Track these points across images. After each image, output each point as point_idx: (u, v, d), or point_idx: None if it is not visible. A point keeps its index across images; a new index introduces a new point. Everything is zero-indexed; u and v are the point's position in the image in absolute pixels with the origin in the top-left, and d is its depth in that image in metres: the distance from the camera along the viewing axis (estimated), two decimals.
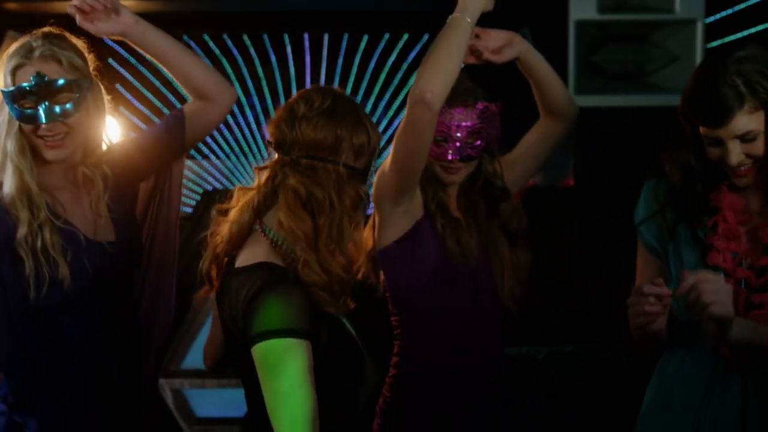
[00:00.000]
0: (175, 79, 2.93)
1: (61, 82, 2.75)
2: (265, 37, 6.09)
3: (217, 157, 6.20)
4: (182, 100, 6.13)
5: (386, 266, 3.10)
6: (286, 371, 2.34)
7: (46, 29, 2.85)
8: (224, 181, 6.06)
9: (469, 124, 3.10)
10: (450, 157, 3.10)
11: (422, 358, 3.11)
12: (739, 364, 2.59)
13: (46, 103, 2.73)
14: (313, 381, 2.37)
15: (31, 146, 2.80)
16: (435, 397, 3.09)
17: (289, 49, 6.11)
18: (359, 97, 6.24)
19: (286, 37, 6.10)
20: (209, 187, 6.00)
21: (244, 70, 6.12)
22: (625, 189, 3.41)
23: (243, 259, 2.49)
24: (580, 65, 4.55)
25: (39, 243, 2.73)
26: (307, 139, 2.48)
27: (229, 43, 6.06)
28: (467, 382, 3.11)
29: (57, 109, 2.74)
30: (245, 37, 6.08)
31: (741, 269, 2.61)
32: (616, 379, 4.72)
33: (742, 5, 4.97)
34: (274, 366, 2.35)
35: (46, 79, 2.74)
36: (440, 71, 2.86)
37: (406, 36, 6.00)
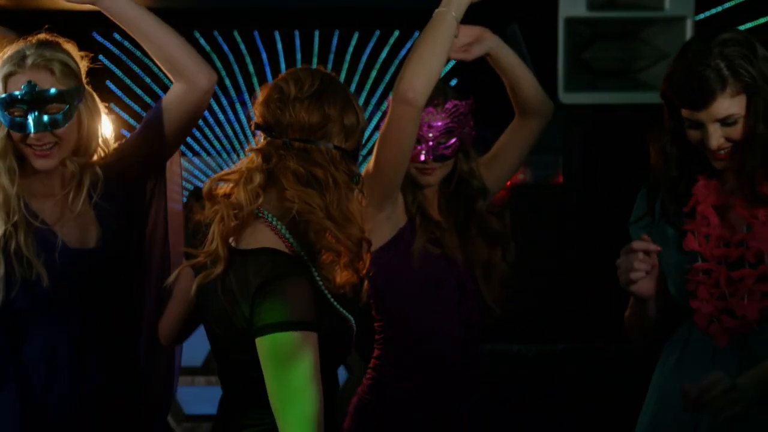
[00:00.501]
0: (151, 55, 2.88)
1: (52, 91, 2.75)
2: (256, 34, 6.09)
3: (208, 154, 6.20)
4: None
5: (371, 273, 3.08)
6: (299, 365, 2.31)
7: (41, 36, 2.83)
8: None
9: (439, 123, 3.08)
10: (423, 158, 3.08)
11: (405, 362, 3.10)
12: (729, 339, 2.61)
13: (36, 113, 2.73)
14: (320, 375, 2.34)
15: (19, 152, 2.79)
16: (415, 400, 3.08)
17: (279, 46, 6.11)
18: None
19: (276, 34, 6.10)
20: (200, 184, 6.00)
21: (235, 67, 6.11)
22: (614, 186, 3.42)
23: (246, 242, 2.46)
24: (570, 62, 4.56)
25: (12, 245, 2.73)
26: (301, 121, 2.45)
27: (220, 39, 6.06)
28: (448, 386, 3.10)
29: (46, 118, 2.74)
30: (236, 34, 6.07)
31: (718, 249, 2.62)
32: (607, 377, 4.73)
33: (732, 3, 4.99)
34: (286, 359, 2.31)
35: (37, 89, 2.74)
36: (423, 68, 2.85)
37: (396, 33, 6.00)
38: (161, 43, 2.85)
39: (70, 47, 2.85)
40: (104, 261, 2.83)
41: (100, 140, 2.91)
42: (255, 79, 6.13)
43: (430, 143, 3.07)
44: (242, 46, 6.09)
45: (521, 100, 3.21)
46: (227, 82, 6.15)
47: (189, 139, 6.20)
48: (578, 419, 4.73)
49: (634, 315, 2.76)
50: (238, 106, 6.18)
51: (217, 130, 6.23)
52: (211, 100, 6.57)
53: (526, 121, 3.23)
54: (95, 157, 2.90)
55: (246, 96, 6.14)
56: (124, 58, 5.87)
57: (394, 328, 3.12)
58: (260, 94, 2.53)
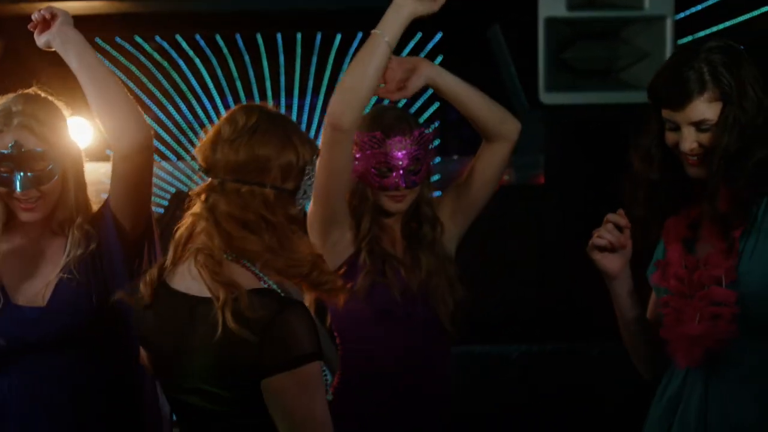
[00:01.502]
0: (87, 93, 2.83)
1: (37, 150, 2.78)
2: (238, 36, 6.10)
3: (193, 158, 6.18)
4: (156, 101, 6.13)
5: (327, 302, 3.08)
6: (320, 395, 2.30)
7: (30, 91, 2.86)
8: (199, 181, 6.04)
9: (409, 151, 3.08)
10: (398, 185, 3.06)
11: (360, 388, 3.09)
12: (694, 362, 2.64)
13: (22, 173, 2.77)
14: None
15: (4, 204, 2.82)
16: (374, 425, 3.08)
17: (262, 48, 6.13)
18: None
19: (259, 36, 6.11)
20: (184, 188, 5.99)
21: (218, 71, 6.13)
22: (596, 185, 3.43)
23: None
24: (550, 62, 4.57)
25: None
26: (230, 161, 2.39)
27: (203, 43, 6.07)
28: (412, 408, 3.09)
29: (31, 175, 2.78)
30: (218, 38, 6.09)
31: (680, 281, 2.66)
32: (595, 376, 4.76)
33: (711, 2, 5.03)
34: (312, 390, 2.29)
35: (23, 150, 2.77)
36: (351, 93, 2.86)
37: None
38: (103, 83, 2.84)
39: (59, 103, 2.88)
40: (54, 320, 2.82)
41: (92, 193, 2.92)
42: (238, 83, 6.15)
43: (401, 171, 3.07)
44: (225, 50, 6.10)
45: (478, 126, 3.15)
46: (210, 85, 6.16)
47: (173, 143, 6.21)
48: (567, 419, 4.75)
49: (619, 323, 2.79)
50: (222, 109, 6.19)
51: (201, 134, 6.22)
52: (195, 103, 6.57)
53: (491, 145, 3.17)
54: (93, 207, 2.91)
55: (230, 99, 6.16)
56: (107, 62, 5.86)
57: (348, 354, 3.12)
58: (204, 138, 2.48)
